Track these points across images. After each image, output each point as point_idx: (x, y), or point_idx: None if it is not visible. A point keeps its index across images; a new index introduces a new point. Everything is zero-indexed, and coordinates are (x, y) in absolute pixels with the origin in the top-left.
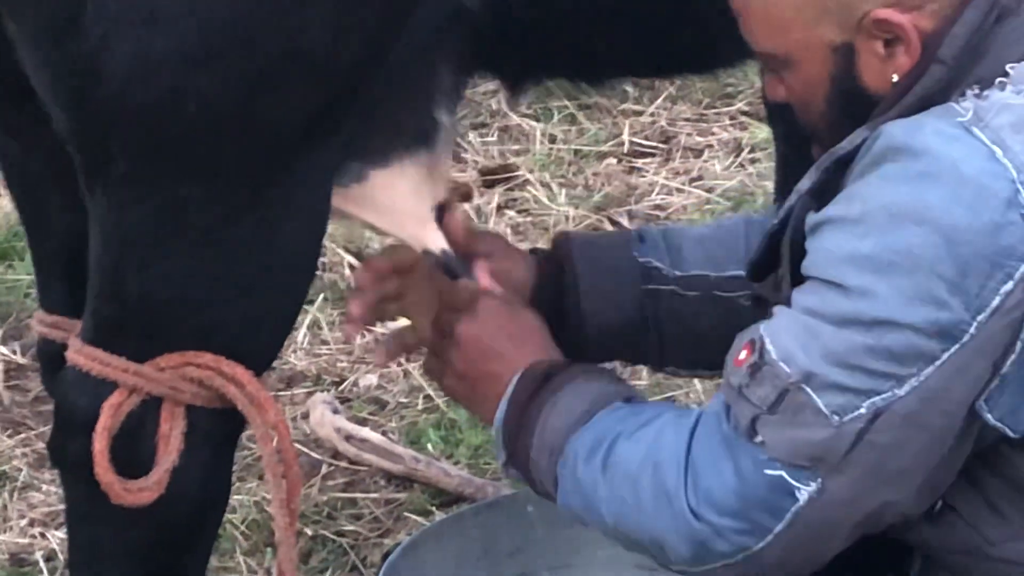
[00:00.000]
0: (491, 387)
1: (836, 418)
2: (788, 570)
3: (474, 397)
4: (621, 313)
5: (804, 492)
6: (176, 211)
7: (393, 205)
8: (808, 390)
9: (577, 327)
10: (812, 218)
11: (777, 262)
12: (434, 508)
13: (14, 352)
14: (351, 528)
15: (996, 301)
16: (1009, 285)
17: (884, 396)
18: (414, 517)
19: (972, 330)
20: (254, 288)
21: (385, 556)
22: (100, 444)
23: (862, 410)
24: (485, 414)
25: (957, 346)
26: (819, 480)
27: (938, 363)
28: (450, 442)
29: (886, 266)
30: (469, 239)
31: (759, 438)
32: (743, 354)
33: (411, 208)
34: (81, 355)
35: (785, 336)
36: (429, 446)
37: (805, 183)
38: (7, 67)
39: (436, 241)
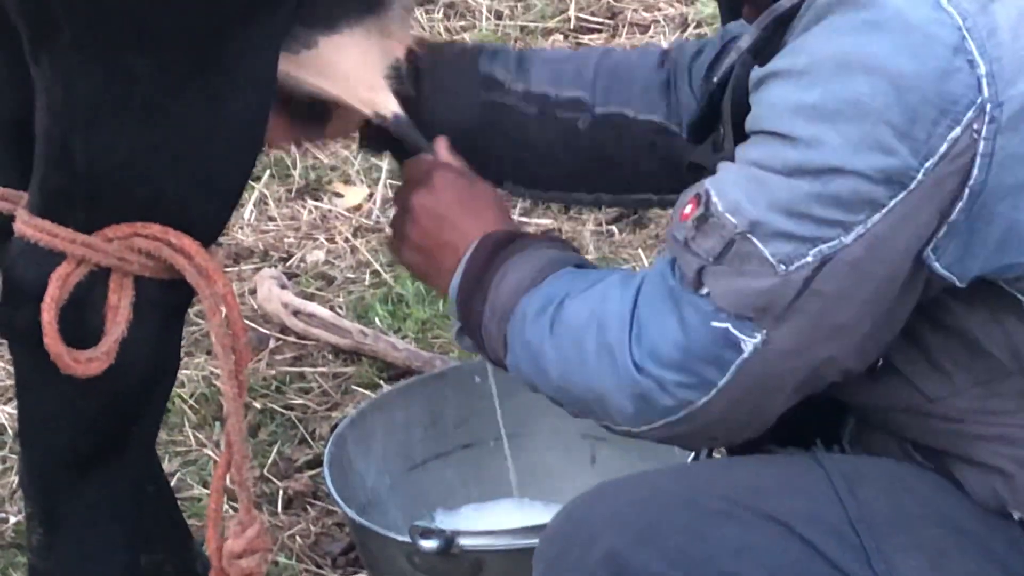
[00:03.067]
0: (447, 257)
1: (782, 267)
2: (730, 429)
3: (430, 269)
4: (460, 118)
5: (749, 344)
6: (123, 80)
7: (343, 71)
8: (754, 239)
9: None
10: (756, 73)
11: (716, 122)
12: (382, 382)
13: None
14: (299, 402)
15: (944, 147)
16: (956, 131)
17: (831, 244)
18: (362, 390)
19: (920, 176)
20: (202, 157)
21: (333, 428)
22: (48, 314)
23: (808, 258)
24: (441, 285)
25: (904, 193)
26: (764, 331)
27: (885, 210)
28: (397, 316)
29: (833, 115)
30: None
31: (705, 290)
32: (688, 208)
33: (361, 74)
34: (28, 226)
35: (731, 188)
36: (377, 320)
37: (745, 41)
38: None
39: (388, 105)
